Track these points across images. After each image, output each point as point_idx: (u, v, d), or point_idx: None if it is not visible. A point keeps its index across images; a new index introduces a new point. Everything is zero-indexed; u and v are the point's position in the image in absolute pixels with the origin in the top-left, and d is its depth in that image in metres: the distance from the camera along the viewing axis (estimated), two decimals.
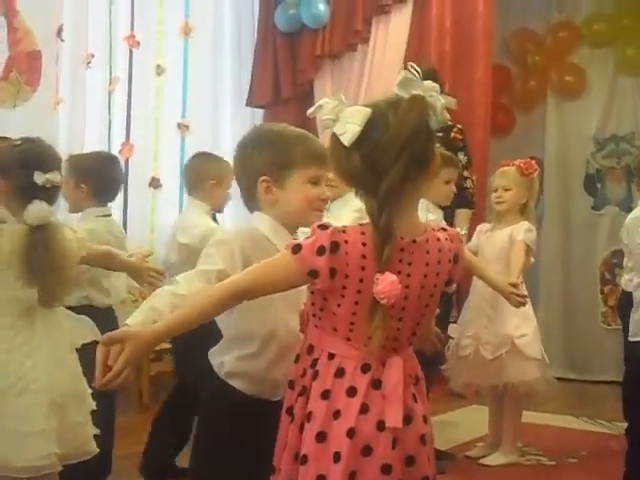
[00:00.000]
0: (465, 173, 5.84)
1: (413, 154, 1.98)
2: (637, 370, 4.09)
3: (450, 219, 5.58)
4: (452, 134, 5.87)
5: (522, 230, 4.64)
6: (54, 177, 2.99)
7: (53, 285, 2.95)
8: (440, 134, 5.69)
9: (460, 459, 4.79)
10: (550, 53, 7.62)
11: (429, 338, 2.47)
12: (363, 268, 1.99)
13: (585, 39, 7.50)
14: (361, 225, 2.04)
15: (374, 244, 1.98)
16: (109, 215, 4.03)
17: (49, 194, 2.99)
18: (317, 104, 2.07)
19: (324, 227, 2.01)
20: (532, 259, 4.78)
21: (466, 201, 5.75)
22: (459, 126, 5.77)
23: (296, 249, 2.00)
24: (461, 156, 5.83)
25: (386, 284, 1.95)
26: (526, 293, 4.57)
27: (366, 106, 2.03)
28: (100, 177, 3.92)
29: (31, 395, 2.84)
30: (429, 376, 4.37)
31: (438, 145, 2.07)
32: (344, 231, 2.01)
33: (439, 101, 2.04)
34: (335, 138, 2.03)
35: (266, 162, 2.38)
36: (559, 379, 6.62)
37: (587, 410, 6.04)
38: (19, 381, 2.85)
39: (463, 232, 5.83)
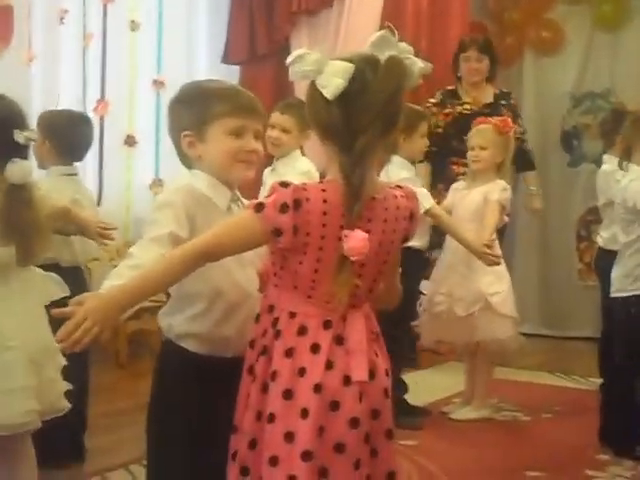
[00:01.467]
0: (524, 136, 6.06)
1: (388, 114, 2.00)
2: (614, 325, 4.12)
3: (514, 182, 5.75)
4: (512, 100, 6.11)
5: (497, 189, 4.64)
6: (31, 135, 2.96)
7: (33, 243, 2.93)
8: (503, 102, 5.99)
9: (436, 415, 4.83)
10: (527, 9, 7.58)
11: (394, 295, 2.44)
12: (324, 225, 1.99)
13: None
14: (321, 182, 2.05)
15: (345, 200, 1.98)
16: (74, 174, 3.98)
17: (26, 152, 2.96)
18: (296, 53, 2.03)
19: (285, 185, 2.01)
20: (506, 218, 4.79)
21: (530, 163, 6.11)
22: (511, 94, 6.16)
23: (259, 208, 2.00)
24: (520, 121, 6.04)
25: (357, 240, 1.95)
26: (499, 252, 4.59)
27: (346, 61, 2.01)
28: (65, 135, 3.88)
29: (10, 352, 2.82)
30: (402, 333, 4.49)
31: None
32: (305, 189, 2.00)
33: (415, 64, 2.05)
34: (315, 90, 2.02)
35: (189, 117, 2.34)
36: (535, 335, 6.77)
37: (562, 366, 6.10)
38: None
39: (535, 192, 6.07)
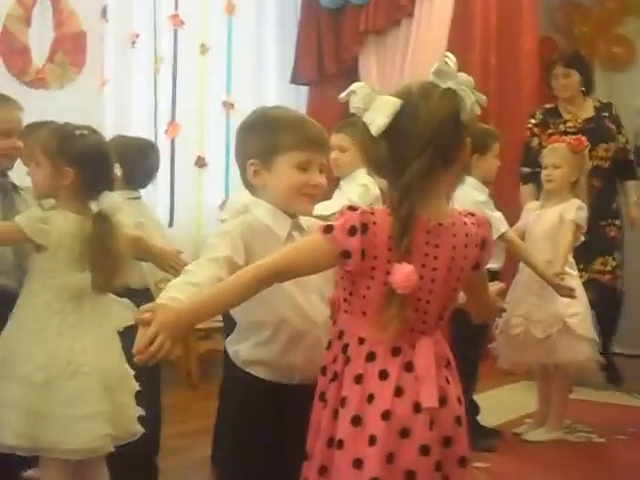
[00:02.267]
0: (628, 146, 6.07)
1: (439, 148, 2.00)
2: None
3: (615, 190, 5.99)
4: (613, 111, 6.08)
5: (573, 208, 4.59)
6: (118, 169, 3.11)
7: (114, 271, 3.02)
8: (605, 114, 5.99)
9: (508, 436, 4.78)
10: (597, 24, 7.52)
11: (492, 307, 2.44)
12: (390, 249, 1.99)
13: (633, 9, 7.38)
14: (388, 207, 2.04)
15: (393, 234, 1.98)
16: (138, 198, 4.01)
17: (113, 185, 3.09)
18: (349, 89, 2.06)
19: (353, 208, 2.03)
20: (582, 237, 4.73)
21: (631, 172, 6.06)
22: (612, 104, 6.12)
23: (328, 229, 2.01)
24: (623, 130, 6.04)
25: (401, 274, 1.96)
26: (574, 283, 4.54)
27: (398, 95, 2.04)
28: (134, 164, 3.91)
29: (82, 378, 2.90)
30: (474, 355, 4.45)
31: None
32: (372, 212, 2.02)
33: (470, 96, 2.05)
34: (364, 126, 2.04)
35: (255, 145, 2.36)
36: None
37: (637, 386, 5.98)
38: (69, 365, 2.90)
39: (636, 201, 6.02)
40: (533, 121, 6.09)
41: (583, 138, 4.82)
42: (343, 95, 2.08)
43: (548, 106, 6.16)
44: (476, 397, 4.72)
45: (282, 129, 2.36)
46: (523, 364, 4.96)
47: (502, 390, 5.79)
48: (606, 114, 6.03)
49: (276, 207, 2.36)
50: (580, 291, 4.65)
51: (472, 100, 2.04)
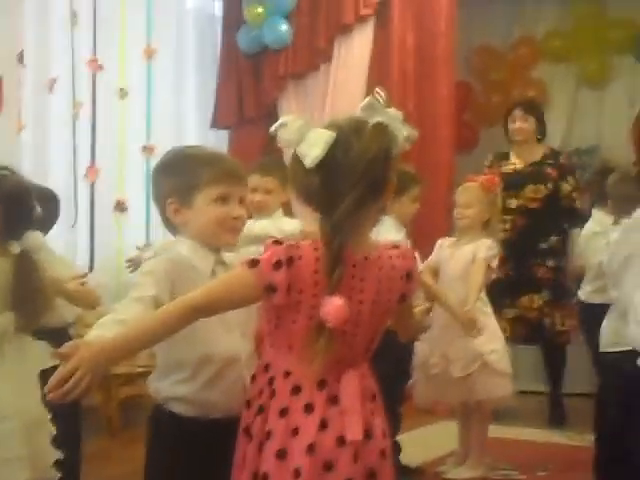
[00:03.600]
0: (574, 194, 6.09)
1: (370, 181, 2.02)
2: (608, 380, 4.11)
3: (545, 231, 6.04)
4: (561, 159, 6.21)
5: (483, 248, 4.65)
6: (37, 209, 3.10)
7: (37, 311, 2.99)
8: (550, 161, 6.12)
9: (431, 475, 4.79)
10: (511, 69, 7.69)
11: (417, 327, 2.46)
12: (316, 283, 2.01)
13: (546, 54, 7.58)
14: (314, 241, 2.06)
15: (325, 265, 2.00)
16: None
17: (34, 224, 3.06)
18: (280, 121, 2.07)
19: (278, 242, 2.03)
20: (493, 275, 4.80)
21: (578, 219, 6.00)
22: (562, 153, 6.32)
23: (253, 264, 2.02)
24: (570, 179, 6.10)
25: (332, 307, 1.97)
26: (487, 319, 4.62)
27: (330, 128, 2.05)
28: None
29: (3, 422, 2.85)
30: (395, 393, 4.46)
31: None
32: (298, 246, 2.03)
33: (401, 131, 2.08)
34: (296, 157, 2.05)
35: (173, 184, 2.37)
36: (530, 392, 6.72)
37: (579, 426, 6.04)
38: None
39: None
40: (486, 163, 6.26)
41: (495, 177, 4.91)
42: (273, 128, 2.08)
43: (501, 152, 6.36)
44: (397, 437, 4.74)
45: (199, 165, 2.37)
46: (442, 403, 4.99)
47: (423, 429, 5.80)
48: (550, 161, 6.18)
49: (199, 243, 2.36)
50: (496, 328, 4.72)
51: (404, 134, 2.07)
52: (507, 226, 5.62)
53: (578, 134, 7.51)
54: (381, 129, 2.04)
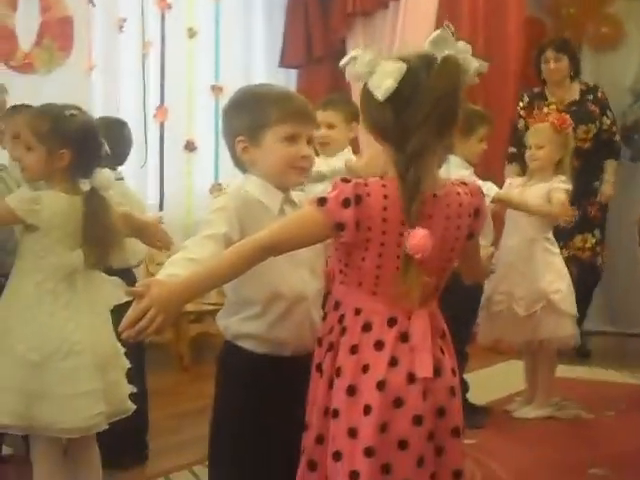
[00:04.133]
0: (613, 128, 6.26)
1: (443, 114, 2.00)
2: None
3: (597, 169, 6.17)
4: (599, 94, 6.31)
5: (558, 183, 4.63)
6: (106, 148, 3.12)
7: (109, 247, 3.04)
8: (590, 97, 6.24)
9: (498, 413, 4.81)
10: (585, 4, 7.51)
11: (482, 270, 2.48)
12: (385, 220, 2.00)
13: None
14: (382, 178, 2.05)
15: (402, 199, 1.99)
16: (121, 179, 4.04)
17: (103, 162, 3.10)
18: (350, 55, 2.05)
19: (346, 180, 2.03)
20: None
21: (613, 152, 6.27)
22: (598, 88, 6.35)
23: (322, 202, 2.01)
24: (609, 113, 6.24)
25: (419, 238, 1.96)
26: (556, 258, 4.65)
27: (400, 61, 2.02)
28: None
29: (75, 357, 2.91)
30: (463, 333, 4.47)
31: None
32: (366, 184, 2.02)
33: (471, 64, 2.05)
34: (368, 91, 2.03)
35: (242, 122, 2.36)
36: (599, 333, 6.71)
37: (627, 363, 6.03)
38: (63, 344, 2.90)
39: (608, 179, 6.16)
40: (521, 104, 6.26)
41: (566, 117, 4.84)
42: (343, 62, 2.06)
43: (536, 90, 6.35)
44: (465, 376, 4.75)
45: (268, 104, 2.36)
46: (505, 341, 4.99)
47: (491, 369, 5.82)
48: (590, 97, 6.25)
49: (268, 182, 2.37)
50: (563, 268, 4.69)
51: (475, 67, 2.04)
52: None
53: None
54: (451, 61, 2.01)
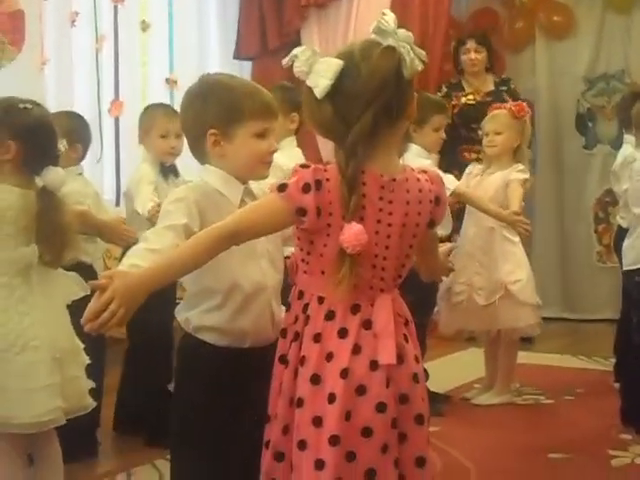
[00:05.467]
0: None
1: (382, 104, 2.01)
2: (629, 301, 4.14)
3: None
4: (512, 86, 6.59)
5: (515, 172, 4.66)
6: (64, 144, 3.08)
7: (62, 246, 3.00)
8: (504, 88, 6.49)
9: (458, 401, 4.85)
10: None
11: (441, 267, 2.48)
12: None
13: None
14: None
15: (341, 194, 2.00)
16: (81, 174, 4.04)
17: (58, 160, 3.05)
18: (292, 53, 2.07)
19: (305, 166, 2.05)
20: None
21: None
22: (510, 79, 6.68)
23: (282, 188, 2.03)
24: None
25: (350, 233, 1.98)
26: (516, 247, 4.65)
27: (340, 56, 2.05)
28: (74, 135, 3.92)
29: (32, 352, 2.88)
30: (421, 323, 4.48)
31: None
32: (325, 169, 2.04)
33: (409, 52, 2.05)
34: (308, 89, 2.05)
35: (215, 115, 2.36)
36: (556, 319, 6.78)
37: (584, 348, 6.10)
38: (18, 339, 2.87)
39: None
40: (439, 94, 6.39)
41: (524, 104, 4.88)
42: (286, 60, 2.08)
43: (453, 80, 6.71)
44: (425, 364, 4.76)
45: (239, 98, 2.37)
46: (465, 331, 5.03)
47: (451, 357, 5.86)
48: (504, 88, 6.56)
49: (230, 175, 2.38)
50: (523, 257, 4.73)
51: (412, 56, 2.04)
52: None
53: (605, 59, 7.40)
54: (388, 52, 2.02)
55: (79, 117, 4.19)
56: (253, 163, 2.38)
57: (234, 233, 2.05)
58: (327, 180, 2.02)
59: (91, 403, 3.08)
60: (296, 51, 2.06)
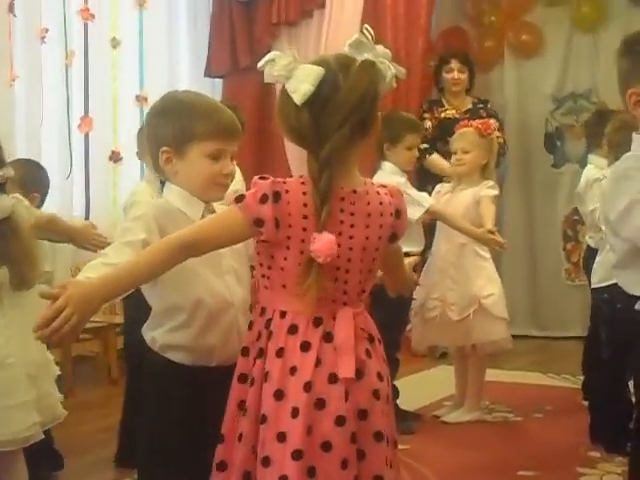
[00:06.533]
0: (500, 139, 6.21)
1: (358, 119, 2.01)
2: (598, 318, 4.16)
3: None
4: (489, 106, 6.73)
5: (486, 188, 4.68)
6: (8, 172, 3.02)
7: (25, 271, 2.99)
8: (481, 106, 6.61)
9: (428, 419, 4.84)
10: (506, 13, 7.62)
11: (407, 281, 2.47)
12: (305, 217, 2.01)
13: None
14: (300, 176, 2.06)
15: (313, 202, 2.00)
16: None
17: (4, 187, 3.01)
18: (267, 58, 2.05)
19: (264, 178, 2.04)
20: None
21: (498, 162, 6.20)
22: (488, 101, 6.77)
23: (240, 199, 2.02)
24: (493, 121, 6.12)
25: (322, 243, 1.97)
26: (486, 263, 4.68)
27: (318, 64, 2.03)
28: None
29: (7, 370, 2.89)
30: (393, 340, 4.49)
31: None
32: (284, 182, 2.03)
33: (389, 69, 2.06)
34: (285, 94, 2.03)
35: (168, 132, 2.35)
36: (525, 336, 6.80)
37: (552, 366, 6.12)
38: None
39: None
40: (424, 108, 6.63)
41: (491, 122, 4.92)
42: (261, 63, 2.06)
43: (433, 98, 6.84)
44: (395, 382, 4.78)
45: (195, 117, 2.35)
46: (438, 347, 5.03)
47: (421, 374, 5.86)
48: (482, 107, 6.67)
49: (192, 193, 2.37)
50: (494, 272, 4.75)
51: (392, 72, 2.05)
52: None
53: (573, 78, 7.47)
54: (367, 66, 2.03)
55: (36, 165, 4.18)
56: (205, 184, 2.35)
57: (192, 243, 2.04)
58: (286, 192, 2.01)
59: (63, 412, 3.10)
60: (272, 55, 2.05)
